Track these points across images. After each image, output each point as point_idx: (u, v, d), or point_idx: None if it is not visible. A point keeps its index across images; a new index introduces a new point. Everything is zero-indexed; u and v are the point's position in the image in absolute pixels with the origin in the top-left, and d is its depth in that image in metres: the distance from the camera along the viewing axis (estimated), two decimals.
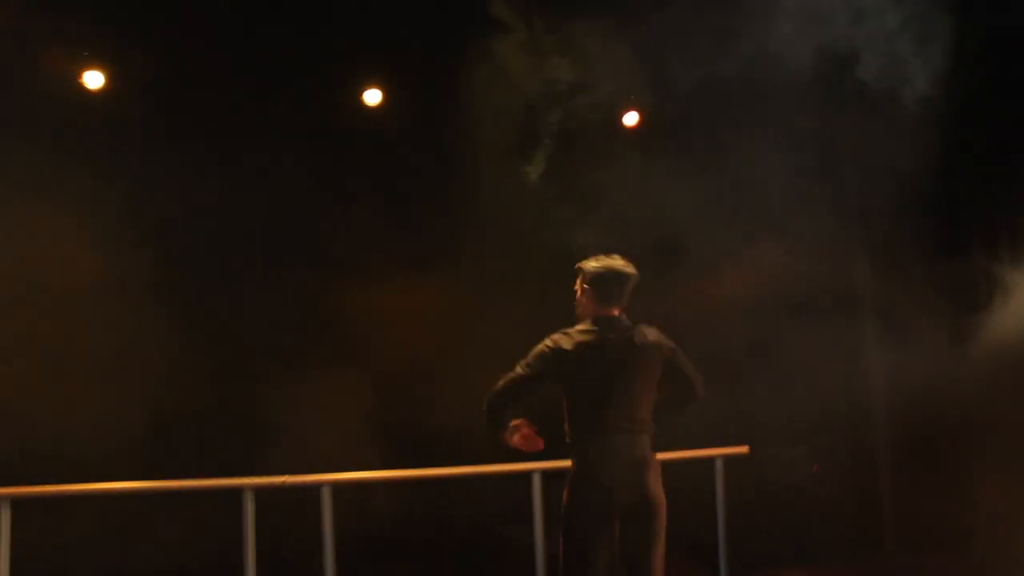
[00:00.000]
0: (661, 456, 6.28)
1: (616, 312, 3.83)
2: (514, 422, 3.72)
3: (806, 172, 6.11)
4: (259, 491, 5.20)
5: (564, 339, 3.74)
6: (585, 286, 3.85)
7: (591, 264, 3.86)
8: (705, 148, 5.98)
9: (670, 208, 6.01)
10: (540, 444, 3.76)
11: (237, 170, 6.01)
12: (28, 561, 4.93)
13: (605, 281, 3.82)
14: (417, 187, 6.63)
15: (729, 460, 6.58)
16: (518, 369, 3.74)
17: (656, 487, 3.77)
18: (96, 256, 5.60)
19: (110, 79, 6.20)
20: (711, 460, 6.57)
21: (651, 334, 3.84)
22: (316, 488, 5.35)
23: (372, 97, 6.76)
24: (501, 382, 3.73)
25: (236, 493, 5.16)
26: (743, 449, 6.74)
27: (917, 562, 6.99)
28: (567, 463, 3.85)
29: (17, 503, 4.84)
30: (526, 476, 5.83)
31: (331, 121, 6.57)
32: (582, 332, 3.76)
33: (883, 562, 7.39)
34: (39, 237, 5.50)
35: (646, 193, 6.02)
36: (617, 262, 3.87)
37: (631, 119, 6.83)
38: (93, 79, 6.20)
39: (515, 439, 3.72)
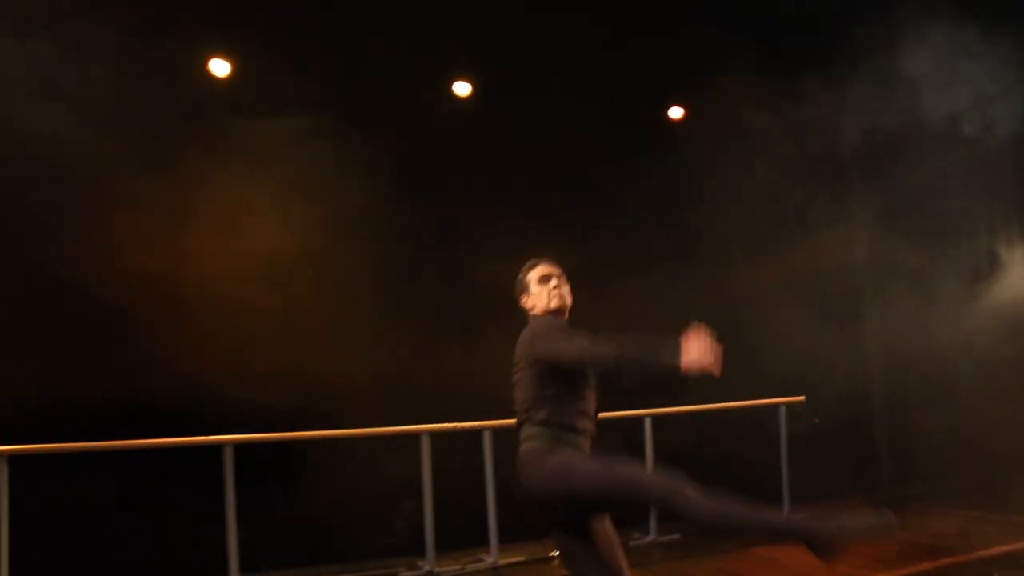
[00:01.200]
0: (730, 405, 7.47)
1: None
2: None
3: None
4: (434, 435, 6.14)
5: None
6: (566, 284, 3.83)
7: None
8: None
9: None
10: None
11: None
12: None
13: None
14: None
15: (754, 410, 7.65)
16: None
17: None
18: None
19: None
20: (774, 407, 7.69)
21: None
22: (479, 432, 6.30)
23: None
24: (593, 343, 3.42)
25: (417, 436, 6.09)
26: (800, 398, 7.84)
27: (906, 495, 8.07)
28: None
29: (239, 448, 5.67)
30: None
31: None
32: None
33: (879, 496, 8.26)
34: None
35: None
36: None
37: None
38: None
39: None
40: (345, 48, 6.55)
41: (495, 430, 6.27)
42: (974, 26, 6.08)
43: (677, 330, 7.33)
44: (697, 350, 3.16)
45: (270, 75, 6.35)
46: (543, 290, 3.79)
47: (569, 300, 3.83)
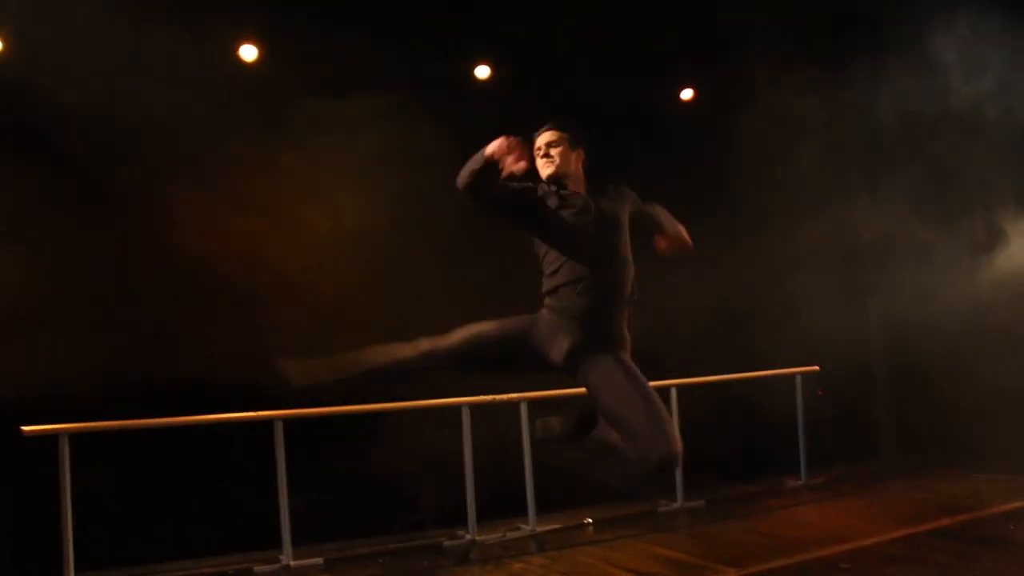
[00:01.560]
0: (748, 375, 7.75)
1: None
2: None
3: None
4: (473, 407, 6.37)
5: None
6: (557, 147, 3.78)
7: None
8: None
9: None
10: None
11: None
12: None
13: None
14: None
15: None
16: None
17: None
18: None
19: None
20: (790, 377, 7.96)
21: None
22: (516, 404, 6.53)
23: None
24: None
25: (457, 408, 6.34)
26: (814, 368, 8.11)
27: (907, 462, 8.47)
28: None
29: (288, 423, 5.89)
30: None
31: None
32: None
33: (881, 464, 8.79)
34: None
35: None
36: None
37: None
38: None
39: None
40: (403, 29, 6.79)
41: (531, 402, 6.51)
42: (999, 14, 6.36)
43: (699, 307, 7.56)
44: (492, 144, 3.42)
45: (335, 55, 6.49)
46: (537, 160, 3.77)
47: (561, 164, 3.75)
